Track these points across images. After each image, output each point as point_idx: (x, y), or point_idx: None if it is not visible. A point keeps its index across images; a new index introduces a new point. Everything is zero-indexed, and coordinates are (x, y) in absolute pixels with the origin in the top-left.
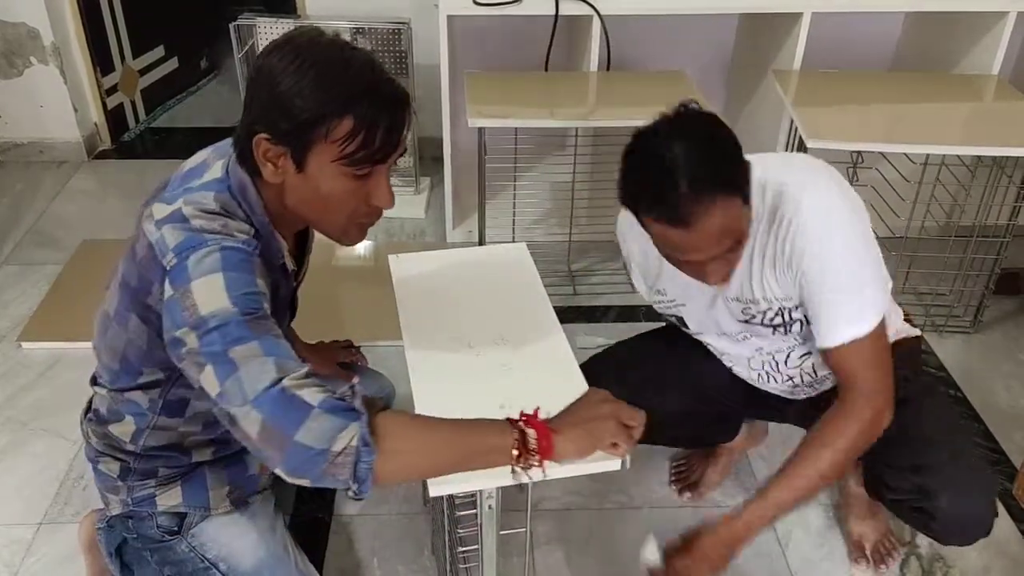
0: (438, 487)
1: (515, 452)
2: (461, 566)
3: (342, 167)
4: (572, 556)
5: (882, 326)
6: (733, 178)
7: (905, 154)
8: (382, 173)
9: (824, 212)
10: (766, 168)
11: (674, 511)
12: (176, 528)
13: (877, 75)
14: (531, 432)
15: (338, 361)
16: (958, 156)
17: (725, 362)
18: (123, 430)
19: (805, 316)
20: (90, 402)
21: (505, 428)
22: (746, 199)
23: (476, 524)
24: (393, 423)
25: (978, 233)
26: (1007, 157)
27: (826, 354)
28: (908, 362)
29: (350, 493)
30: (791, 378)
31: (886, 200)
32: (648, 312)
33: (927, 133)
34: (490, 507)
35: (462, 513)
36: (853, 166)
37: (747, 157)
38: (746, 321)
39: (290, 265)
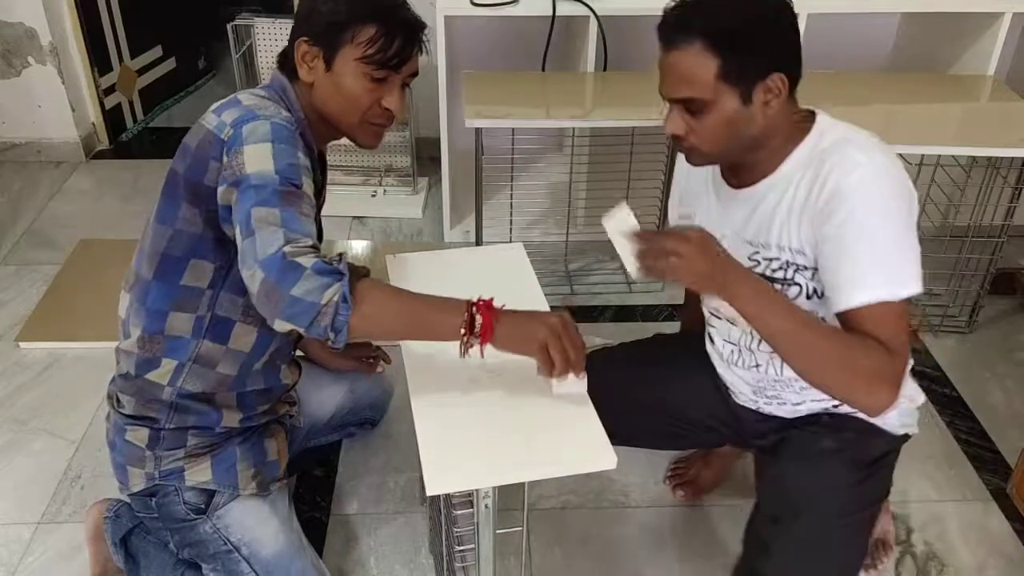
0: (435, 486)
1: (462, 331)
2: (458, 565)
3: (362, 66)
4: (568, 555)
5: (907, 310)
6: (721, 36)
7: (901, 154)
8: (395, 83)
9: (882, 173)
10: (845, 137)
11: (670, 510)
12: (203, 507)
13: (873, 76)
14: (479, 318)
15: (362, 356)
16: (953, 156)
17: (713, 333)
18: (161, 374)
19: (808, 284)
20: (112, 379)
21: (460, 310)
22: (726, 74)
23: (473, 523)
24: (371, 289)
25: (973, 233)
26: (1002, 158)
27: (846, 315)
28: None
29: (330, 342)
30: (758, 365)
31: None
32: (644, 313)
33: (923, 134)
34: (487, 506)
35: (459, 512)
36: None
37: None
38: (752, 267)
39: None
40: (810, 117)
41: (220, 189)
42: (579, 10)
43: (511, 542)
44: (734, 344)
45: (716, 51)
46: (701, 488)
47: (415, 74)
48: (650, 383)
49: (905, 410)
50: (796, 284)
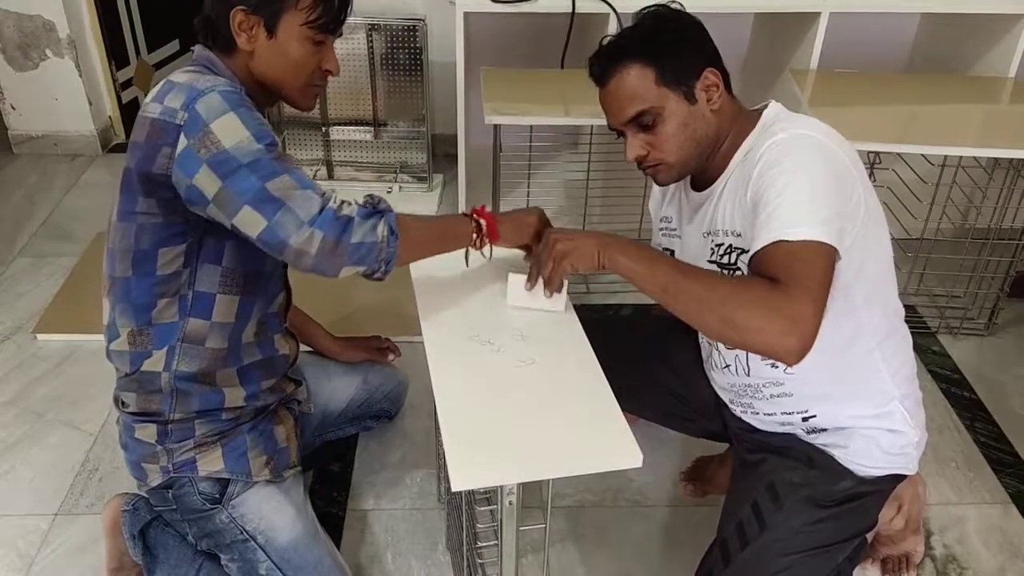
0: (460, 481)
1: (474, 236)
2: (478, 561)
3: (307, 31)
4: (585, 553)
5: (824, 253)
6: (649, 50)
7: (922, 155)
8: (330, 45)
9: (797, 137)
10: (784, 119)
11: (688, 510)
12: (218, 496)
13: (892, 76)
14: (483, 222)
15: (372, 347)
16: (975, 158)
17: (699, 334)
18: (155, 361)
19: (747, 269)
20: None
21: (467, 220)
22: (665, 78)
23: (492, 520)
24: (406, 219)
25: (994, 235)
26: None
27: (752, 264)
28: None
29: (376, 275)
30: (728, 365)
31: (902, 201)
32: (660, 311)
33: (943, 135)
34: (510, 503)
35: (479, 509)
36: (870, 167)
37: (771, 104)
38: (713, 262)
39: None
40: (760, 113)
41: (197, 177)
42: (599, 7)
43: (527, 539)
44: (710, 343)
45: (650, 62)
46: (716, 487)
47: (341, 34)
48: (665, 360)
49: (892, 445)
50: (738, 269)
